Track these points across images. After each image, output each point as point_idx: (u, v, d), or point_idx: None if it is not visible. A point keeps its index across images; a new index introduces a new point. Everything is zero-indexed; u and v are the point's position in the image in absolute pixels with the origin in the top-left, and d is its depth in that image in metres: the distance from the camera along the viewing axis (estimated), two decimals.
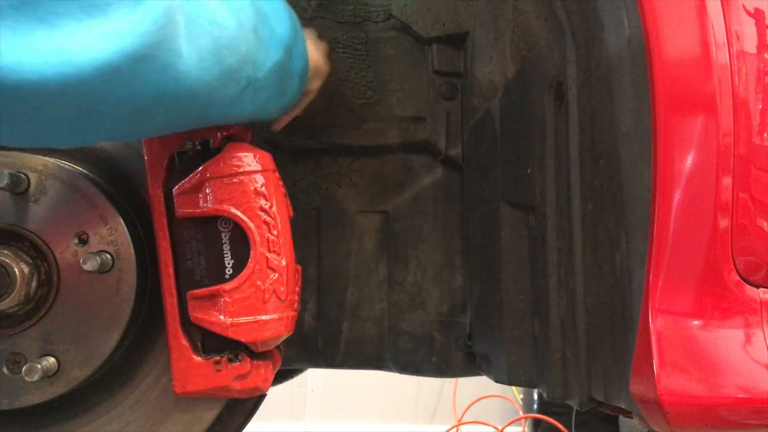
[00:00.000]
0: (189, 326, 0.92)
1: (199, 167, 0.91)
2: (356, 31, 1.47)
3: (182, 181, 0.92)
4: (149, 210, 0.94)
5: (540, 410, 3.49)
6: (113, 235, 0.93)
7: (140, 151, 0.96)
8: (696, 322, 0.85)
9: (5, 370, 0.92)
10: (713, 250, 0.84)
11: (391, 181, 1.57)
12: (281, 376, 1.96)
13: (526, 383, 1.27)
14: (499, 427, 3.68)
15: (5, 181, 0.90)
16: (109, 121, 0.70)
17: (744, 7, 0.85)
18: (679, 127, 0.83)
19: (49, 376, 0.91)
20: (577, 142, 1.07)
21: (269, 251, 0.91)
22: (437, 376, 1.58)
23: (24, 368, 0.90)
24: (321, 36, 1.33)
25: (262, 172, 0.93)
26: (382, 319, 1.56)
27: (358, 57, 1.55)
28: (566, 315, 1.10)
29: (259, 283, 0.91)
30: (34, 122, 0.66)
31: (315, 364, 1.61)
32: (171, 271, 0.92)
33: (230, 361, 0.92)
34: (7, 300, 0.90)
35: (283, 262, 0.92)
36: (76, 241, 0.93)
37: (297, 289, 0.98)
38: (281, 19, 0.92)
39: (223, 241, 0.93)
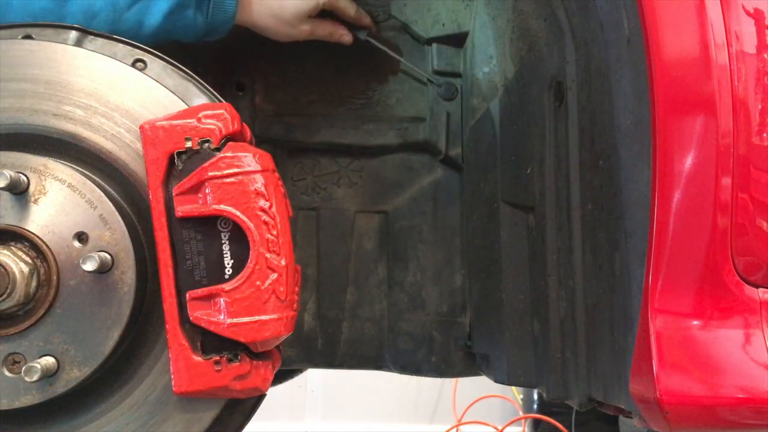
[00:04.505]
0: (188, 326, 0.92)
1: (198, 167, 0.91)
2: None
3: (181, 181, 0.92)
4: (149, 210, 0.94)
5: (540, 410, 3.49)
6: (113, 235, 0.93)
7: (140, 151, 0.96)
8: (695, 322, 0.85)
9: (5, 370, 0.92)
10: (713, 250, 0.84)
11: (391, 181, 1.57)
12: (281, 377, 1.96)
13: (526, 383, 1.27)
14: (499, 427, 3.68)
15: (5, 181, 0.90)
16: None
17: (743, 7, 0.85)
18: (678, 127, 0.83)
19: (48, 376, 0.91)
20: (576, 142, 1.07)
21: (269, 251, 0.91)
22: (437, 376, 1.58)
23: (23, 368, 0.89)
24: None
25: (262, 172, 0.93)
26: (382, 319, 1.56)
27: (358, 57, 1.55)
28: (566, 315, 1.10)
29: (258, 283, 0.91)
30: None
31: (315, 364, 1.61)
32: (170, 271, 0.92)
33: (230, 361, 0.92)
34: (7, 300, 0.90)
35: (283, 262, 0.92)
36: (76, 241, 0.93)
37: (297, 289, 0.98)
38: None
39: (223, 241, 0.93)
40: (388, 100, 1.57)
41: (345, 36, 1.43)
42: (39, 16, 1.06)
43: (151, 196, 0.93)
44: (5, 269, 0.90)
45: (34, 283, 0.92)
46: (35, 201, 0.93)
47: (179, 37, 1.18)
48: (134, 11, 1.11)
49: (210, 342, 0.92)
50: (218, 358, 0.92)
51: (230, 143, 0.93)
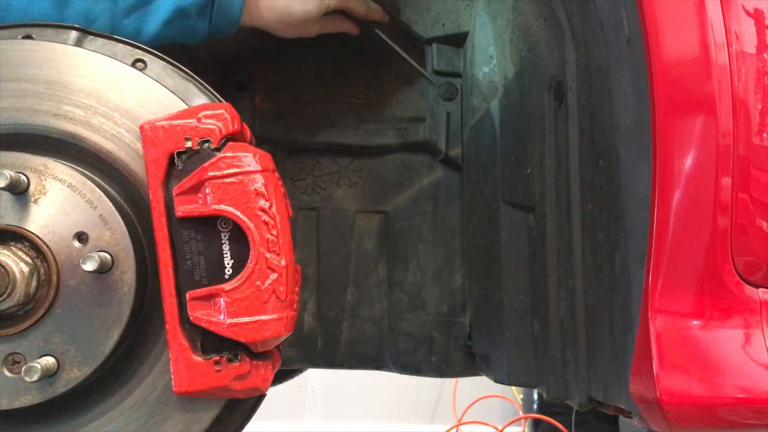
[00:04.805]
0: (188, 326, 0.92)
1: (198, 167, 0.91)
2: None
3: (181, 181, 0.92)
4: (149, 210, 0.94)
5: (540, 410, 3.49)
6: (113, 235, 0.93)
7: (140, 151, 0.96)
8: (695, 322, 0.85)
9: (5, 370, 0.92)
10: (713, 250, 0.84)
11: (391, 181, 1.57)
12: (281, 377, 1.96)
13: (526, 383, 1.27)
14: (499, 427, 3.68)
15: (5, 181, 0.90)
16: None
17: (743, 8, 0.85)
18: (678, 127, 0.83)
19: (48, 376, 0.91)
20: (576, 142, 1.07)
21: (269, 251, 0.91)
22: (437, 376, 1.58)
23: (23, 368, 0.89)
24: None
25: (262, 172, 0.93)
26: (382, 319, 1.56)
27: (358, 57, 1.55)
28: (566, 315, 1.10)
29: (258, 283, 0.91)
30: None
31: (315, 364, 1.61)
32: (170, 271, 0.92)
33: (230, 361, 0.92)
34: (7, 300, 0.90)
35: (283, 262, 0.92)
36: (76, 241, 0.93)
37: (296, 289, 0.98)
38: None
39: (223, 241, 0.93)
40: (388, 100, 1.57)
41: (353, 29, 1.43)
42: (38, 19, 1.06)
43: (151, 196, 0.93)
44: (5, 269, 0.90)
45: (34, 283, 0.92)
46: (35, 201, 0.93)
47: (180, 41, 1.18)
48: (133, 18, 1.11)
49: (210, 342, 0.92)
50: (218, 358, 0.92)
51: (230, 143, 0.93)
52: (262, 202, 0.92)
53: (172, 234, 0.93)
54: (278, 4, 1.26)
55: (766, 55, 0.85)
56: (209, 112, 0.94)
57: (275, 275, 0.92)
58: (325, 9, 1.31)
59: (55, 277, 0.92)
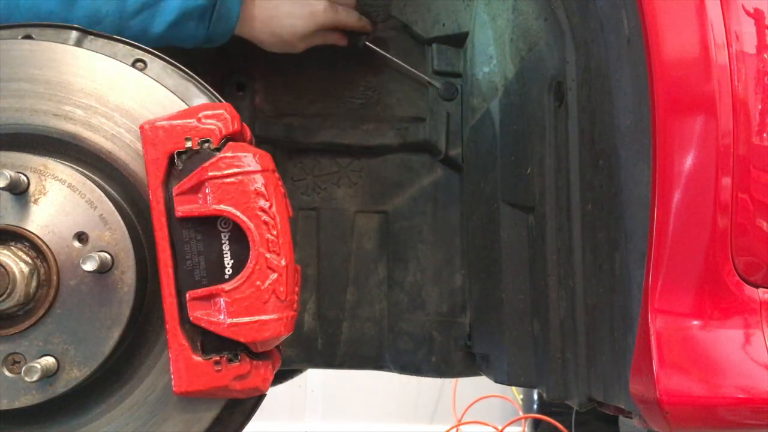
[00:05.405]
0: (188, 326, 0.92)
1: (198, 167, 0.91)
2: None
3: (181, 181, 0.92)
4: (149, 210, 0.94)
5: (540, 410, 3.49)
6: (113, 235, 0.93)
7: (140, 151, 0.96)
8: (695, 322, 0.85)
9: (5, 370, 0.92)
10: (713, 251, 0.84)
11: (391, 182, 1.57)
12: (281, 377, 1.96)
13: (526, 383, 1.27)
14: (499, 427, 3.68)
15: (5, 181, 0.90)
16: None
17: (743, 8, 0.85)
18: (678, 127, 0.83)
19: (48, 376, 0.91)
20: (576, 142, 1.07)
21: (269, 251, 0.91)
22: (437, 377, 1.58)
23: (23, 368, 0.89)
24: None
25: (262, 172, 0.93)
26: (382, 319, 1.56)
27: (358, 57, 1.55)
28: (566, 315, 1.10)
29: (258, 283, 0.91)
30: None
31: (315, 364, 1.61)
32: (170, 271, 0.92)
33: (230, 361, 0.92)
34: (7, 300, 0.90)
35: (283, 263, 0.92)
36: (76, 241, 0.93)
37: (297, 289, 0.98)
38: None
39: (223, 242, 0.93)
40: (388, 100, 1.57)
41: (341, 40, 1.45)
42: (45, 18, 1.06)
43: (151, 196, 0.93)
44: (5, 269, 0.90)
45: (34, 283, 0.92)
46: (35, 201, 0.93)
47: (178, 44, 1.20)
48: (139, 19, 1.13)
49: (210, 342, 0.92)
50: (218, 358, 0.92)
51: (230, 143, 0.93)
52: (262, 202, 0.92)
53: (172, 234, 0.93)
54: (269, 19, 1.30)
55: (766, 55, 0.85)
56: (209, 112, 0.94)
57: (275, 275, 0.92)
58: (315, 28, 1.35)
59: (55, 277, 0.92)
